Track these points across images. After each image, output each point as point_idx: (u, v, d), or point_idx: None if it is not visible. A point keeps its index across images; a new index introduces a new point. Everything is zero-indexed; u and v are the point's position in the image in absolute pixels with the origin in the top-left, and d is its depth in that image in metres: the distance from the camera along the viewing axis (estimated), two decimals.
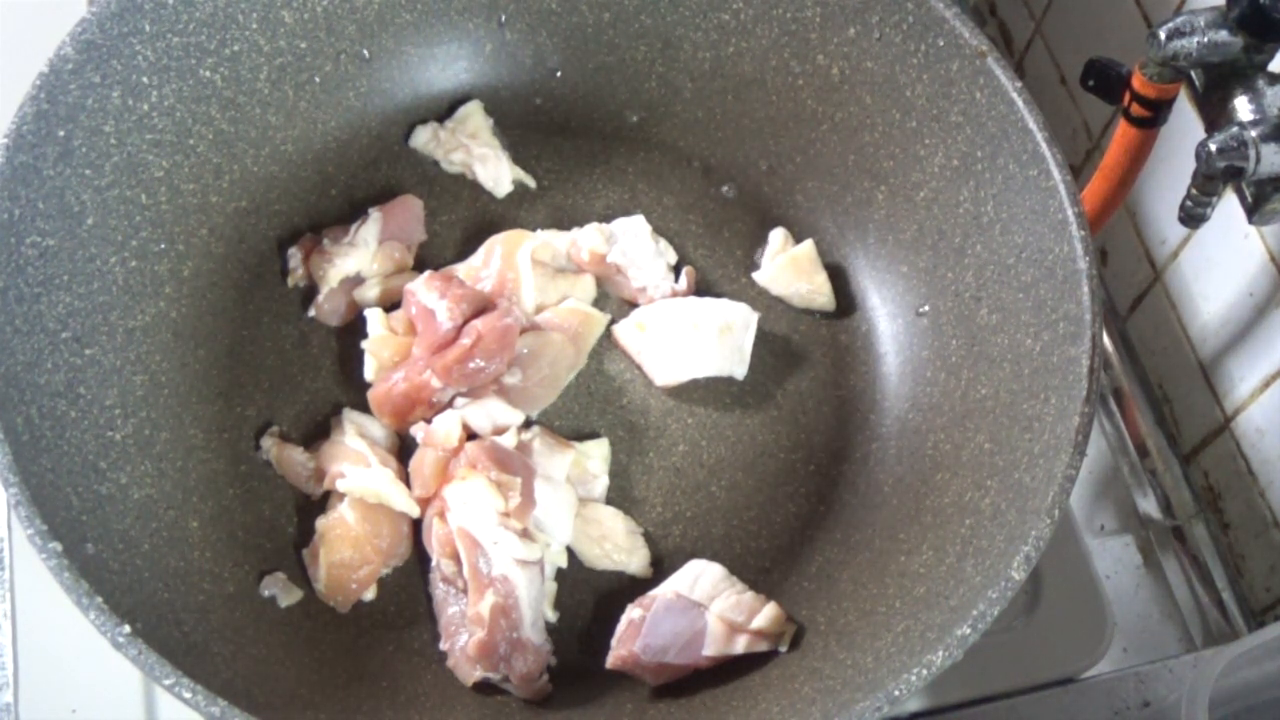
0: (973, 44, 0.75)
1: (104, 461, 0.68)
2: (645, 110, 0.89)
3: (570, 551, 0.75)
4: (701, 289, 0.84)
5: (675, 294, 0.83)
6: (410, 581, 0.75)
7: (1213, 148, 0.63)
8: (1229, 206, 0.72)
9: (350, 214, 0.84)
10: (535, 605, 0.71)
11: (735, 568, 0.74)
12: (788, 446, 0.80)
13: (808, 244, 0.85)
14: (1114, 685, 0.80)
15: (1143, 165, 0.76)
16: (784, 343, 0.84)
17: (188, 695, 0.57)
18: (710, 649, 0.70)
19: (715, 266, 0.86)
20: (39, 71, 0.70)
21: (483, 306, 0.77)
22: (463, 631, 0.70)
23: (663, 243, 0.85)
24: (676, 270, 0.84)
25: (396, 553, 0.74)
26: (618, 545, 0.75)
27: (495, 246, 0.81)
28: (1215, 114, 0.67)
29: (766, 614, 0.71)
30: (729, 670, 0.70)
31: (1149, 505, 0.92)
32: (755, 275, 0.85)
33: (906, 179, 0.81)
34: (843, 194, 0.85)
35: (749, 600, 0.72)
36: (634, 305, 0.84)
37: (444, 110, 0.88)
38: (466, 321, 0.75)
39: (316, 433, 0.78)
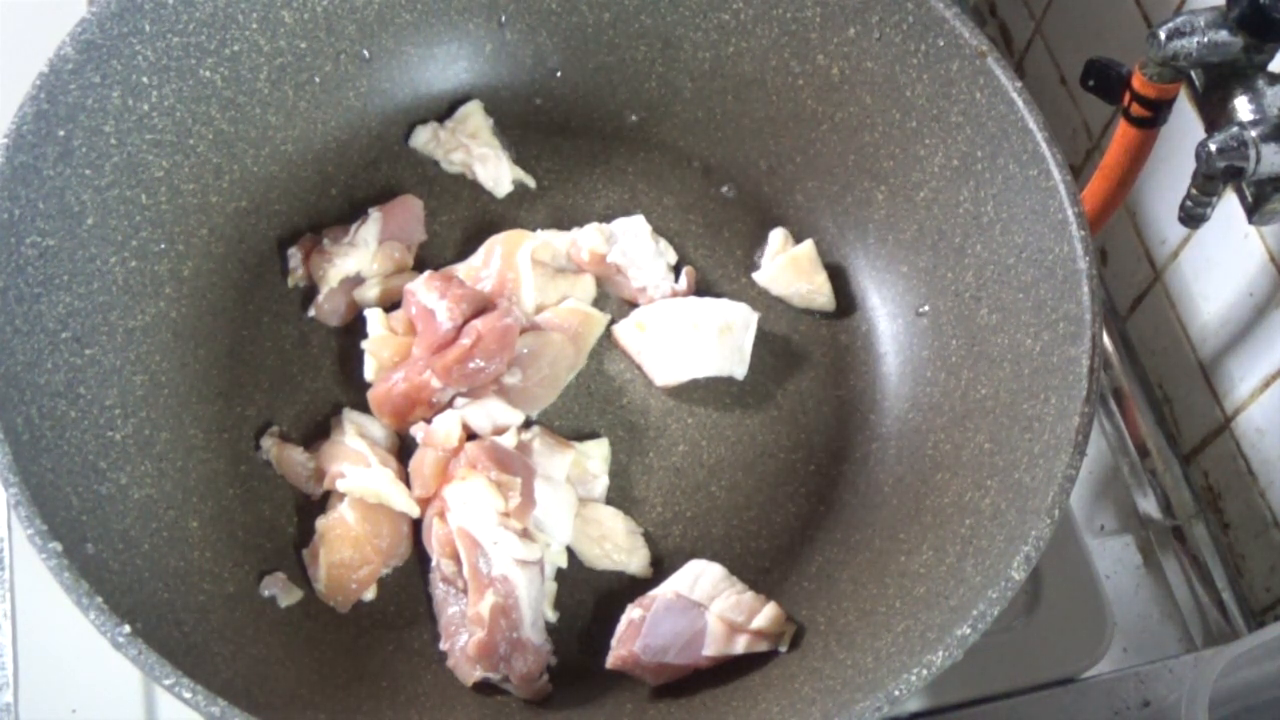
0: (973, 44, 0.75)
1: (104, 461, 0.68)
2: (645, 110, 0.89)
3: (570, 551, 0.75)
4: (701, 289, 0.84)
5: (675, 294, 0.83)
6: (410, 581, 0.75)
7: (1213, 148, 0.63)
8: (1229, 206, 0.72)
9: (350, 214, 0.84)
10: (535, 605, 0.71)
11: (735, 568, 0.74)
12: (788, 446, 0.80)
13: (808, 244, 0.85)
14: (1114, 685, 0.80)
15: (1143, 165, 0.76)
16: (784, 343, 0.84)
17: (188, 695, 0.57)
18: (710, 649, 0.70)
19: (715, 266, 0.86)
20: (39, 71, 0.70)
21: (483, 306, 0.77)
22: (463, 631, 0.70)
23: (663, 243, 0.85)
24: (676, 270, 0.84)
25: (396, 553, 0.74)
26: (618, 545, 0.75)
27: (495, 246, 0.81)
28: (1215, 114, 0.67)
29: (766, 614, 0.71)
30: (729, 670, 0.70)
31: (1149, 505, 0.92)
32: (755, 275, 0.85)
33: (906, 179, 0.81)
34: (843, 194, 0.85)
35: (749, 600, 0.72)
36: (634, 305, 0.84)
37: (444, 110, 0.88)
38: (466, 321, 0.75)
39: (316, 433, 0.78)
